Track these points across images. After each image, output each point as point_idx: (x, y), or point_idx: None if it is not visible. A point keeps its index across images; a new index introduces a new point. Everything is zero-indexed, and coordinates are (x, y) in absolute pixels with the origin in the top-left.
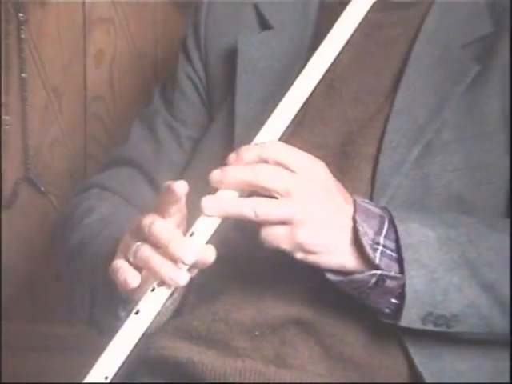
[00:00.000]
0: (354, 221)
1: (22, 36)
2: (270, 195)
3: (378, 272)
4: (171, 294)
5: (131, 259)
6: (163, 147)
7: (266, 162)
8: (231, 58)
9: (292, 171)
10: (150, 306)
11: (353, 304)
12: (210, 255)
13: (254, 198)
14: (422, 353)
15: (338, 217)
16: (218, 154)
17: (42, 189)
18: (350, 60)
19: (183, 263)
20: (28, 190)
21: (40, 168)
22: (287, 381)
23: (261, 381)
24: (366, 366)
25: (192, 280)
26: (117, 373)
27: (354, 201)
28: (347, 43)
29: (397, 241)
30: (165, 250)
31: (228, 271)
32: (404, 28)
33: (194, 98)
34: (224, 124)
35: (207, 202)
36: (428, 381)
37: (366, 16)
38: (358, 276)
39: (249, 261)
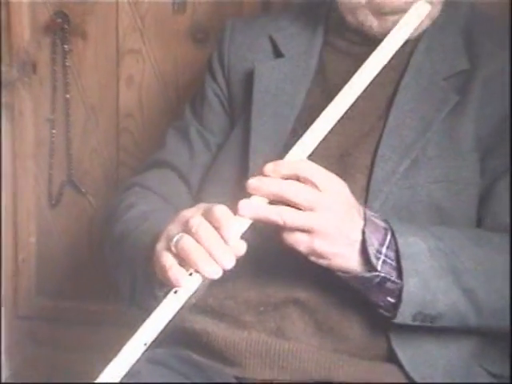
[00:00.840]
0: (363, 233)
1: (67, 63)
2: (296, 207)
3: (382, 274)
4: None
5: (173, 247)
6: (196, 152)
7: (298, 178)
8: (249, 79)
9: (318, 189)
10: (187, 288)
11: (341, 289)
12: (242, 249)
13: (282, 206)
14: (400, 336)
15: (351, 230)
16: (236, 158)
17: (83, 190)
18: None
19: (224, 267)
20: (71, 192)
21: (80, 173)
22: (285, 349)
23: (263, 349)
24: (351, 340)
25: None
26: (153, 341)
27: (365, 214)
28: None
29: (396, 251)
30: (207, 250)
31: (240, 259)
32: (395, 61)
33: (220, 110)
34: (242, 134)
35: (243, 205)
36: (402, 360)
37: (366, 50)
38: (364, 274)
39: (258, 252)
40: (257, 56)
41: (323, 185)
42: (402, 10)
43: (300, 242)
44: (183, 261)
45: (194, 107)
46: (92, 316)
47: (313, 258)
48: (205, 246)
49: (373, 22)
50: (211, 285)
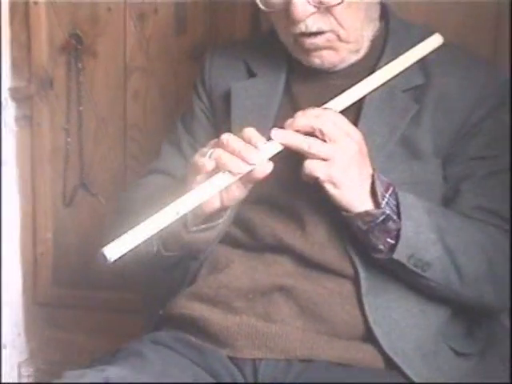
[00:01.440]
0: (373, 177)
1: (80, 80)
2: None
3: (387, 212)
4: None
5: (207, 158)
6: (188, 159)
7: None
8: (228, 96)
9: (342, 131)
10: (216, 182)
11: (322, 276)
12: (268, 167)
13: (309, 137)
14: (375, 312)
15: (364, 169)
16: None
17: (94, 192)
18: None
19: (253, 163)
20: (83, 193)
21: (92, 177)
22: (273, 331)
23: (253, 331)
24: (330, 321)
25: (206, 256)
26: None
27: (374, 168)
28: (330, 86)
29: (396, 200)
30: (238, 152)
31: (230, 253)
32: (361, 77)
33: (206, 124)
34: None
35: (276, 131)
36: (379, 336)
37: (324, 73)
38: (373, 210)
39: (246, 246)
40: (233, 76)
41: (345, 128)
42: (322, 47)
43: (319, 167)
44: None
45: (184, 122)
46: (101, 303)
47: (328, 186)
48: (236, 151)
49: (303, 58)
50: (206, 276)
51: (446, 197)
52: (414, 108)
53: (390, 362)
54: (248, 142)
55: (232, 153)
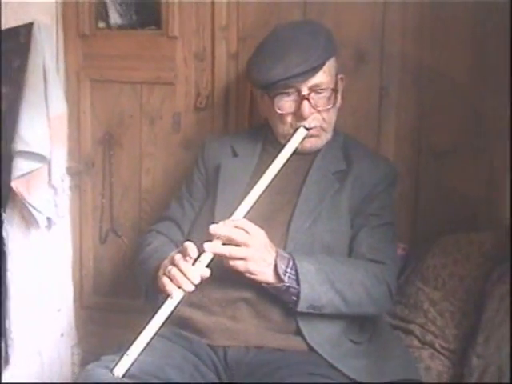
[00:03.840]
0: (275, 260)
1: (111, 161)
2: (237, 245)
3: (287, 284)
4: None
5: (166, 273)
6: (186, 212)
7: (237, 227)
8: (218, 170)
9: (249, 234)
10: (177, 296)
11: (269, 293)
12: (206, 273)
13: (229, 245)
14: (304, 321)
15: (268, 258)
16: (208, 215)
17: (119, 234)
18: (281, 176)
19: (192, 281)
20: (112, 235)
21: (118, 225)
22: (237, 328)
23: (224, 328)
24: (274, 321)
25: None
26: (161, 326)
27: (277, 251)
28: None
29: (296, 270)
30: (183, 272)
31: (210, 277)
32: (305, 162)
33: (201, 187)
34: (212, 201)
35: (207, 245)
36: (305, 333)
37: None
38: (277, 285)
39: (220, 273)
40: (222, 157)
41: (251, 232)
42: (312, 136)
43: (239, 265)
44: (172, 281)
45: (186, 186)
46: (125, 306)
47: (247, 275)
48: (180, 275)
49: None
50: (194, 290)
51: (351, 237)
52: (336, 186)
53: (311, 348)
54: (185, 253)
55: (180, 271)
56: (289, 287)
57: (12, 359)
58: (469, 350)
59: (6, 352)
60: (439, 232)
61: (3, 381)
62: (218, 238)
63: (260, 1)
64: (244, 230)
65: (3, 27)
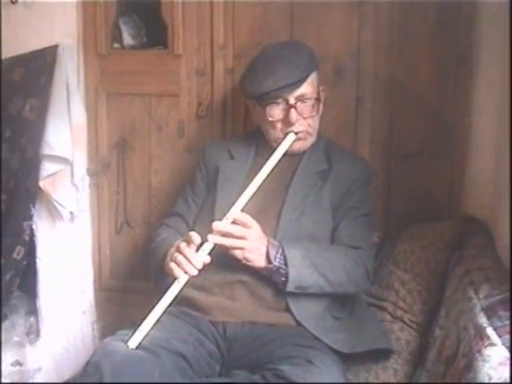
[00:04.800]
0: (267, 248)
1: (125, 164)
2: (235, 237)
3: (277, 265)
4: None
5: (173, 260)
6: (190, 207)
7: (236, 221)
8: (217, 171)
9: (247, 227)
10: (182, 279)
11: (262, 275)
12: (208, 260)
13: (229, 238)
14: (292, 300)
15: (262, 247)
16: (209, 210)
17: (132, 225)
18: (271, 175)
19: (195, 267)
20: (126, 227)
21: (131, 217)
22: (234, 306)
23: (223, 306)
24: (267, 300)
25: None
26: (169, 305)
27: (268, 240)
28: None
29: (284, 256)
30: (187, 259)
31: (211, 263)
32: (293, 163)
33: (202, 186)
34: (213, 199)
35: (210, 236)
36: (293, 310)
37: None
38: (269, 266)
39: (220, 259)
40: (221, 159)
41: (249, 225)
42: (300, 139)
43: (238, 254)
44: (179, 266)
45: (190, 184)
46: (139, 289)
47: (244, 261)
48: (185, 261)
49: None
50: (198, 275)
51: (333, 227)
52: (319, 184)
53: (299, 324)
54: (190, 241)
55: (185, 257)
56: (278, 269)
57: (42, 333)
58: (432, 323)
59: (38, 327)
60: (408, 222)
61: (37, 349)
62: (220, 231)
63: (252, 24)
64: (243, 222)
65: (33, 49)
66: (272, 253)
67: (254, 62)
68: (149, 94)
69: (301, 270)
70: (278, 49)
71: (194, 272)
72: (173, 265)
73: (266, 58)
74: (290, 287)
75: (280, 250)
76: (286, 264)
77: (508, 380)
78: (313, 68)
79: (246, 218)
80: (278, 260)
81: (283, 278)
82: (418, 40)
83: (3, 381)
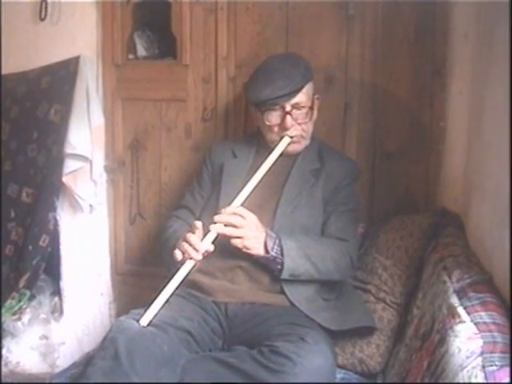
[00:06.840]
0: (265, 239)
1: (138, 161)
2: (235, 227)
3: (274, 255)
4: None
5: (181, 248)
6: (197, 200)
7: (235, 213)
8: (221, 168)
9: (245, 219)
10: (189, 264)
11: (260, 262)
12: (211, 248)
13: (229, 227)
14: (286, 283)
15: (260, 237)
16: (214, 203)
17: (144, 217)
18: (269, 173)
19: (199, 251)
20: (139, 218)
21: (143, 209)
22: (234, 288)
23: (225, 288)
24: (264, 284)
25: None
26: (177, 288)
27: (266, 231)
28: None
29: (281, 247)
30: (193, 246)
31: (214, 250)
32: (289, 162)
33: (208, 181)
34: (217, 193)
35: (213, 226)
36: (287, 292)
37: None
38: (267, 255)
39: (222, 247)
40: (225, 158)
41: (246, 216)
42: (294, 142)
43: (238, 243)
44: (185, 253)
45: (197, 180)
46: (150, 273)
47: (244, 250)
48: (190, 248)
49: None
50: (202, 261)
51: (323, 221)
52: (312, 181)
53: (292, 304)
54: (193, 228)
55: (191, 245)
56: (275, 258)
57: (65, 311)
58: (411, 303)
59: (61, 306)
60: (390, 214)
61: (60, 325)
62: (221, 221)
63: (252, 38)
64: (241, 215)
65: (58, 60)
66: (270, 244)
67: (257, 72)
68: (160, 99)
69: (295, 260)
70: (278, 61)
71: (199, 257)
72: (180, 252)
73: (266, 69)
74: (285, 275)
75: (277, 241)
76: (282, 254)
77: (477, 351)
78: (308, 79)
79: (242, 210)
80: (275, 250)
81: (279, 267)
82: (398, 53)
83: (29, 351)
